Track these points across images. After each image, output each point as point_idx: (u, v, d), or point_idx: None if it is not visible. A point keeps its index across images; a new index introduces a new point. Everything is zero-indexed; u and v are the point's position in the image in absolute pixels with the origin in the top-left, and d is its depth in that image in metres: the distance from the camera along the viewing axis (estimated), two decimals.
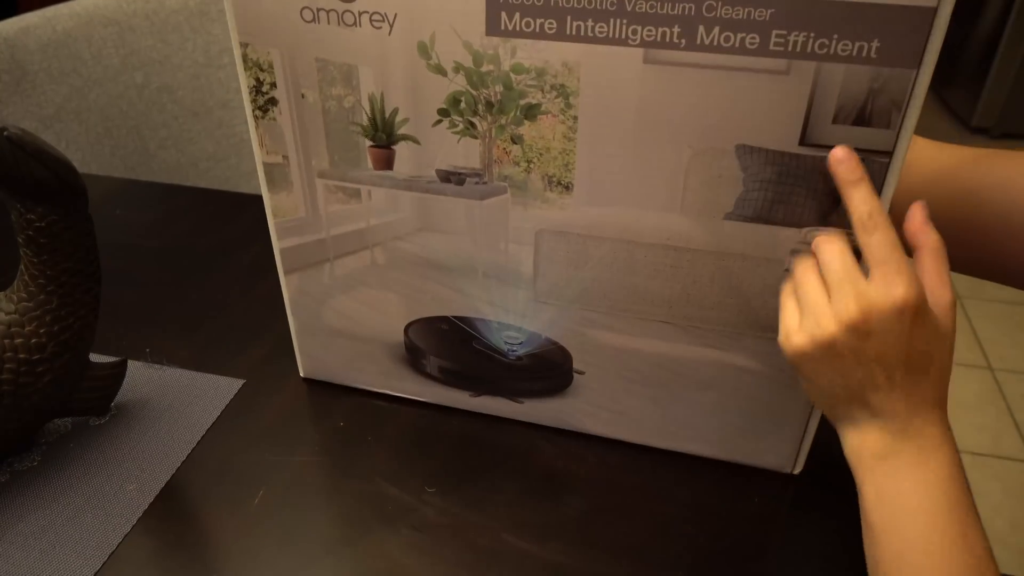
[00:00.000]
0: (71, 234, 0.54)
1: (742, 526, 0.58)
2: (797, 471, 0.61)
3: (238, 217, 0.93)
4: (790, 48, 0.44)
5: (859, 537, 0.50)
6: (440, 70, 0.50)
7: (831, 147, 0.46)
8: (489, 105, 0.51)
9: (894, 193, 0.48)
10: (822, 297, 0.46)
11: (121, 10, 1.15)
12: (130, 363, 0.66)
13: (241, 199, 1.00)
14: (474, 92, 0.50)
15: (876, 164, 0.46)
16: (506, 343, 0.61)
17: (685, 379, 0.59)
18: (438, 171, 0.54)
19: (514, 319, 0.60)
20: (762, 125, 0.47)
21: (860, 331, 0.44)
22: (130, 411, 0.66)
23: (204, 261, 0.85)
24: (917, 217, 0.47)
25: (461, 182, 0.54)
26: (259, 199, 1.02)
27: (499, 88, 0.50)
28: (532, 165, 0.52)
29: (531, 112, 0.50)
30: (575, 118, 0.50)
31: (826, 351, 0.46)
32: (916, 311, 0.43)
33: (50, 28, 1.09)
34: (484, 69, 0.49)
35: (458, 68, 0.50)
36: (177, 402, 0.67)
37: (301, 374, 0.69)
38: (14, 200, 0.52)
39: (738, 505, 0.59)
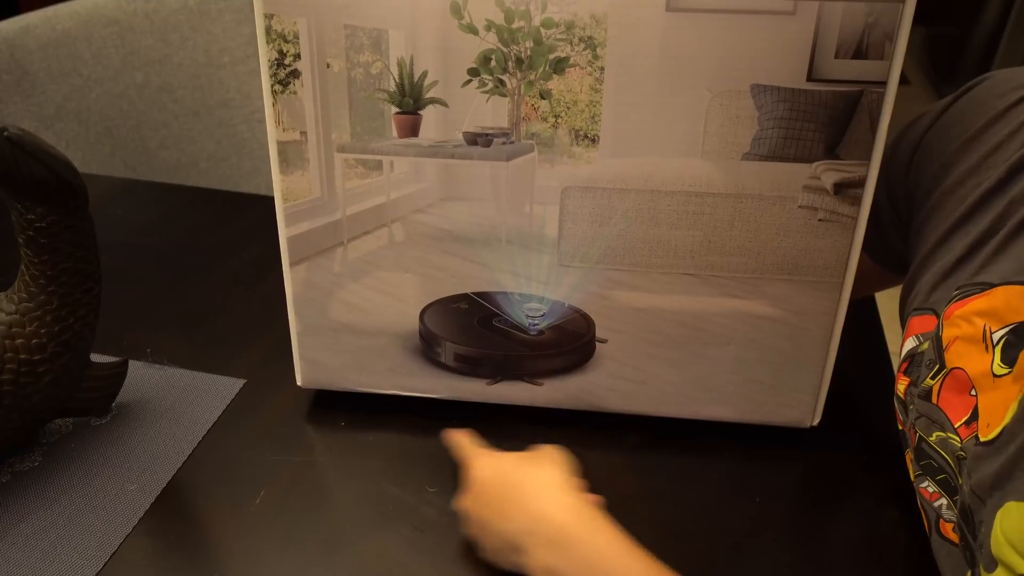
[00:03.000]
0: (71, 234, 0.54)
1: (743, 526, 0.58)
2: (816, 422, 0.62)
3: (238, 217, 0.93)
4: None
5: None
6: (472, 29, 0.52)
7: (836, 81, 0.52)
8: (519, 61, 0.52)
9: None
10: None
11: (121, 10, 1.15)
12: (131, 363, 0.66)
13: (241, 199, 1.00)
14: (505, 49, 0.52)
15: (874, 95, 0.52)
16: (528, 316, 0.61)
17: (706, 335, 0.60)
18: (465, 134, 0.55)
19: (537, 288, 0.60)
20: (773, 64, 0.51)
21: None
22: (131, 411, 0.65)
23: (204, 261, 0.85)
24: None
25: (488, 143, 0.55)
26: (259, 199, 1.02)
27: (529, 44, 0.52)
28: (559, 120, 0.54)
29: (560, 65, 0.52)
30: (602, 69, 0.53)
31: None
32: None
33: (50, 28, 1.09)
34: (515, 26, 0.51)
35: (490, 26, 0.52)
36: (178, 402, 0.66)
37: (299, 383, 0.66)
38: (14, 200, 0.52)
39: (739, 504, 0.59)
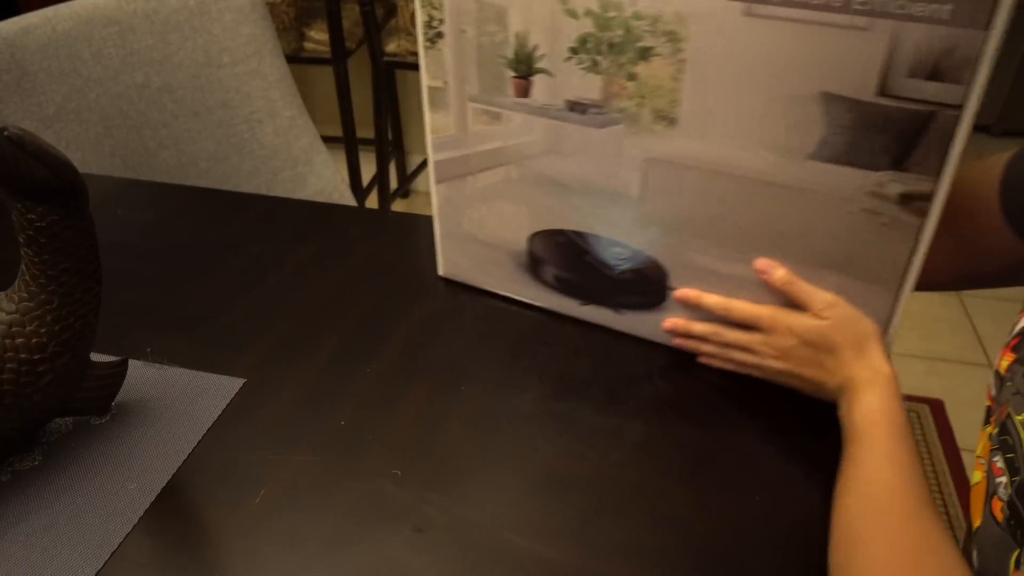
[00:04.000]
0: (71, 234, 0.54)
1: (743, 524, 0.58)
2: None
3: (238, 217, 0.93)
4: (871, 8, 0.50)
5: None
6: (573, 13, 0.59)
7: (907, 99, 0.52)
8: (611, 46, 0.59)
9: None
10: (760, 336, 0.65)
11: (121, 10, 1.15)
12: (131, 362, 0.66)
13: (241, 199, 1.00)
14: (599, 34, 0.59)
15: (946, 117, 0.51)
16: (613, 258, 0.70)
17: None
18: (566, 101, 0.64)
19: (621, 237, 0.69)
20: (844, 76, 0.53)
21: (809, 342, 0.62)
22: (131, 410, 0.66)
23: (204, 261, 0.85)
24: (763, 264, 0.64)
25: (584, 112, 0.63)
26: (259, 199, 1.02)
27: (620, 32, 0.58)
28: (644, 100, 0.61)
29: (645, 54, 0.58)
30: (682, 61, 0.57)
31: (793, 359, 0.63)
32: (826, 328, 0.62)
33: (50, 28, 1.09)
34: (609, 14, 0.58)
35: (588, 12, 0.59)
36: (178, 401, 0.67)
37: (440, 273, 0.81)
38: (15, 200, 0.52)
39: (740, 502, 0.59)
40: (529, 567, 0.54)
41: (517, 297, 0.78)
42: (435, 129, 0.72)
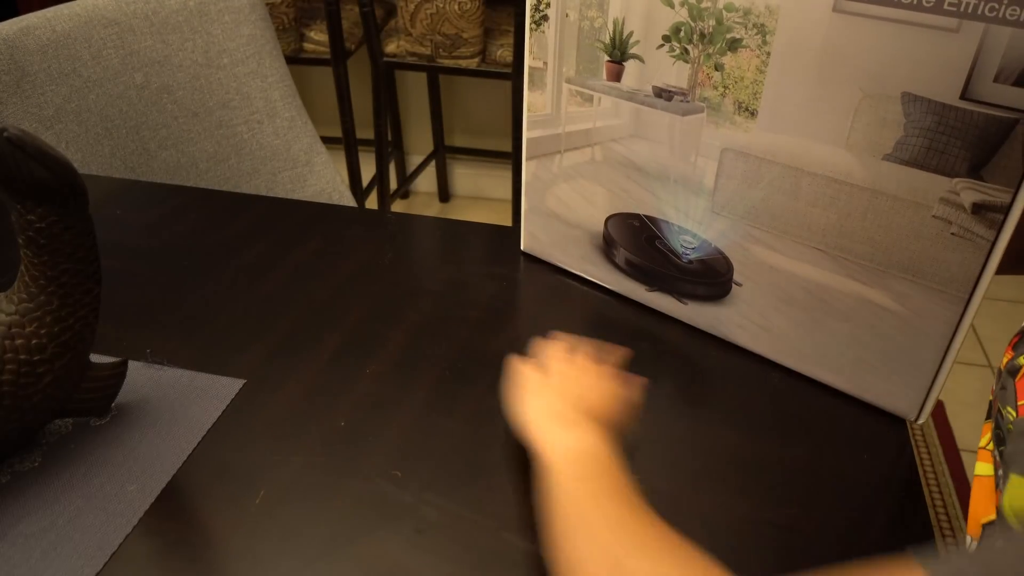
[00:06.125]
0: (71, 234, 0.54)
1: (743, 528, 0.58)
2: (920, 421, 0.64)
3: (238, 217, 0.93)
4: (962, 9, 0.50)
5: None
6: (669, 3, 0.63)
7: (991, 104, 0.51)
8: (702, 35, 0.62)
9: None
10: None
11: (121, 10, 1.15)
12: (131, 363, 0.66)
13: (241, 199, 1.00)
14: (692, 24, 0.62)
15: None
16: (682, 245, 0.72)
17: (827, 307, 0.65)
18: (654, 87, 0.67)
19: (692, 225, 0.71)
20: (928, 77, 0.52)
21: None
22: (131, 411, 0.66)
23: (204, 261, 0.85)
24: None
25: (670, 99, 0.66)
26: (259, 199, 1.02)
27: (712, 22, 0.61)
28: (727, 91, 0.63)
29: (734, 44, 0.60)
30: (768, 54, 0.59)
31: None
32: None
33: (50, 29, 1.09)
34: (703, 5, 0.61)
35: (684, 2, 0.62)
36: (178, 402, 0.67)
37: (522, 247, 0.85)
38: (14, 201, 0.52)
39: (743, 506, 0.59)
40: (529, 567, 0.54)
41: (589, 278, 0.81)
42: (531, 107, 0.76)
